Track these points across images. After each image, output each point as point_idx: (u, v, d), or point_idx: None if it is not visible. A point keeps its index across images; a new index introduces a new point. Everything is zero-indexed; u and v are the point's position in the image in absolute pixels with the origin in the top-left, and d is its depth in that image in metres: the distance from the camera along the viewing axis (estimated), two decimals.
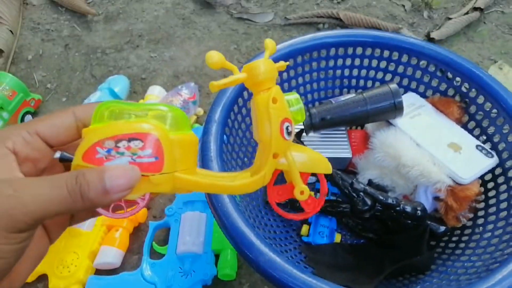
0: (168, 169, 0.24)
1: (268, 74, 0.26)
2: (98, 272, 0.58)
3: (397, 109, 0.56)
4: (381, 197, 0.50)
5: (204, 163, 0.47)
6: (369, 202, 0.52)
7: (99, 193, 0.21)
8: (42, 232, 0.25)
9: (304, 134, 0.59)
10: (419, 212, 0.50)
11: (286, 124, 0.27)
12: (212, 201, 0.44)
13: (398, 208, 0.50)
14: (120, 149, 0.23)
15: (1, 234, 0.20)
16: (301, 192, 0.28)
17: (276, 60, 0.58)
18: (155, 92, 0.76)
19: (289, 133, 0.27)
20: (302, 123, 0.59)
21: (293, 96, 0.29)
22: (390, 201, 0.50)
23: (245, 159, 0.59)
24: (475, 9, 0.93)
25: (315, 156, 0.29)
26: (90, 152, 0.22)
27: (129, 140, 0.23)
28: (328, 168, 0.29)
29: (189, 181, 0.25)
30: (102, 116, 0.24)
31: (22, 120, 0.75)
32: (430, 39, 0.88)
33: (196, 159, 0.27)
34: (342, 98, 0.58)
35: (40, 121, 0.25)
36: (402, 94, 0.61)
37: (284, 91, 0.65)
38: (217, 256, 0.57)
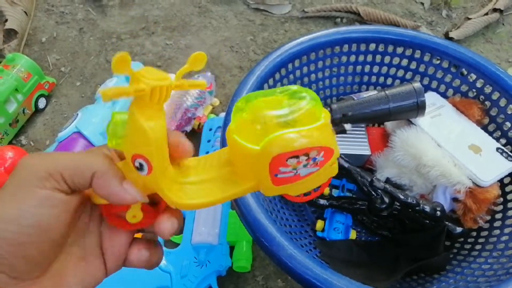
0: None
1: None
2: None
3: (420, 108, 0.55)
4: (401, 196, 0.50)
5: None
6: (387, 200, 0.52)
7: None
8: (100, 260, 0.26)
9: None
10: (438, 212, 0.49)
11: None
12: None
13: (417, 208, 0.49)
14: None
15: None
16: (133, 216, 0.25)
17: (298, 53, 0.59)
18: None
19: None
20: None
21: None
22: (410, 200, 0.50)
23: None
24: (494, 10, 0.92)
25: None
26: None
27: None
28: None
29: None
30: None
31: (36, 102, 0.75)
32: (449, 39, 0.87)
33: None
34: (364, 94, 0.57)
35: None
36: None
37: (303, 85, 0.64)
38: (231, 248, 0.57)
